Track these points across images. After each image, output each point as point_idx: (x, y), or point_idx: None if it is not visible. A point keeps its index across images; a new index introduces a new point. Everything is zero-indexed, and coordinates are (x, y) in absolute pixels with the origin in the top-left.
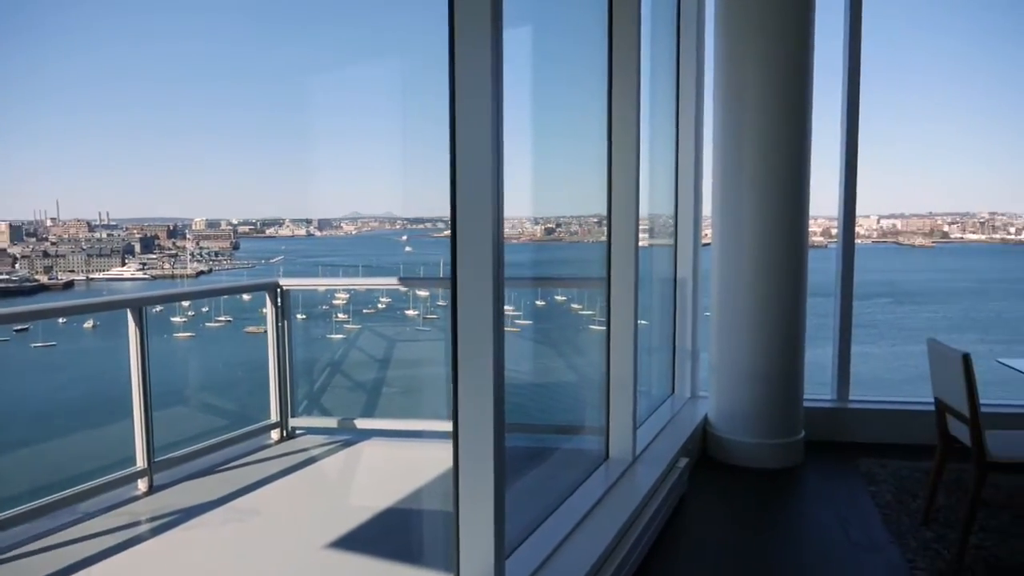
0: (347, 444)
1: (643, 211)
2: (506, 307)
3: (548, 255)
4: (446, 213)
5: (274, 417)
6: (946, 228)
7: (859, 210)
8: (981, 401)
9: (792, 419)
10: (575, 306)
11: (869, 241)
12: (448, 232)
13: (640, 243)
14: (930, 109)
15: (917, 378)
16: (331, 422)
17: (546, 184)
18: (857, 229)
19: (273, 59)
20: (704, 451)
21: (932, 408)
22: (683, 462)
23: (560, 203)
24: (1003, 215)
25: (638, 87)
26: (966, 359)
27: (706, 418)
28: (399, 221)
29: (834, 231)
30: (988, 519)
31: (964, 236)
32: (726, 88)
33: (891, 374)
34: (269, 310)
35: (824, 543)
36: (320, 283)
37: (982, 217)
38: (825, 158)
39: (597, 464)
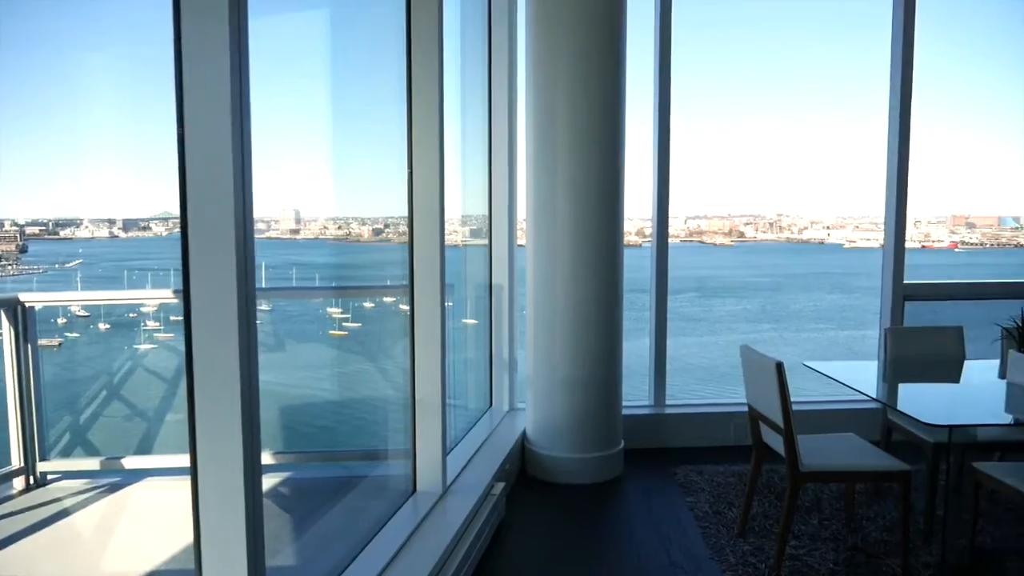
0: (113, 489)
1: (455, 212)
2: (333, 309)
3: (366, 258)
4: (268, 213)
5: (16, 463)
6: (742, 228)
7: (670, 210)
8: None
9: (612, 430)
10: (403, 307)
11: (677, 240)
12: (272, 233)
13: (453, 245)
14: (728, 115)
15: (723, 364)
16: (94, 463)
17: (372, 183)
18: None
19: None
20: (523, 469)
21: (743, 409)
22: (499, 487)
23: (391, 203)
24: (788, 216)
25: (440, 80)
26: (779, 368)
27: (524, 434)
28: None
29: (647, 230)
30: (799, 524)
31: (757, 236)
32: (538, 86)
33: (700, 360)
34: (6, 332)
35: (646, 564)
36: (76, 298)
37: (771, 218)
38: (634, 160)
39: (405, 499)
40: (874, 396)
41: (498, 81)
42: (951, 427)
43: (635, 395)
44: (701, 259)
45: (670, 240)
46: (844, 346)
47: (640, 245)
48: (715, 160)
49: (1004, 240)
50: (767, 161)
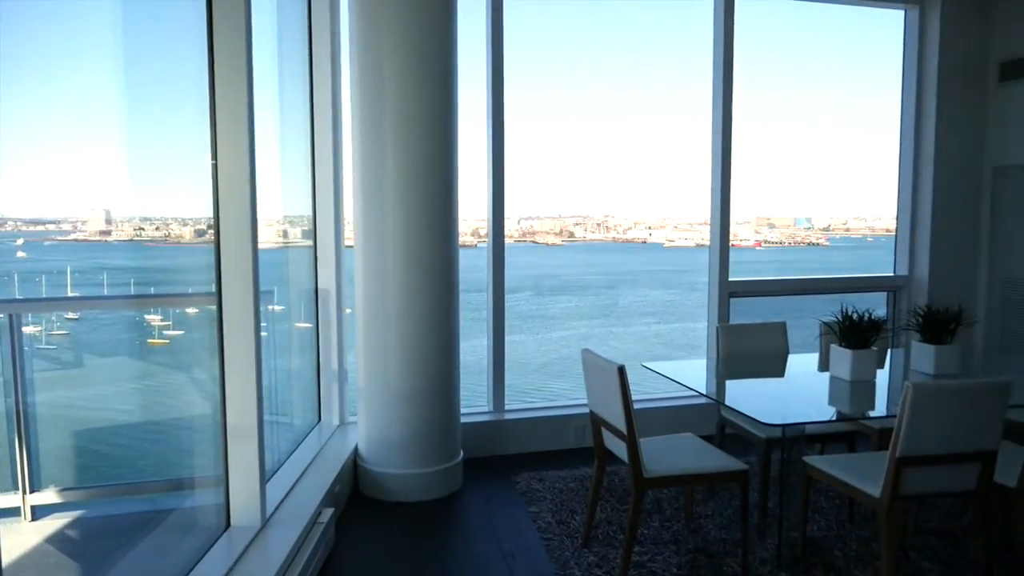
0: None
1: (275, 210)
2: (152, 316)
3: (185, 261)
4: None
5: None
6: (572, 228)
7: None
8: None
9: (450, 441)
10: None
11: (511, 240)
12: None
13: (275, 247)
14: (558, 116)
15: (557, 361)
16: None
17: (188, 180)
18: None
19: None
20: (356, 489)
21: (582, 411)
22: (328, 514)
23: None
24: (614, 217)
25: (247, 68)
26: (621, 372)
27: (357, 450)
28: (9, 222)
29: (483, 231)
30: (641, 529)
31: (586, 235)
32: (363, 80)
33: (538, 358)
34: None
35: None
36: None
37: (599, 219)
38: (470, 161)
39: (218, 535)
40: (711, 396)
41: (320, 72)
42: (785, 425)
43: (473, 396)
44: (535, 258)
45: (506, 240)
46: (669, 338)
47: (475, 246)
48: (547, 162)
49: (799, 239)
50: (595, 163)
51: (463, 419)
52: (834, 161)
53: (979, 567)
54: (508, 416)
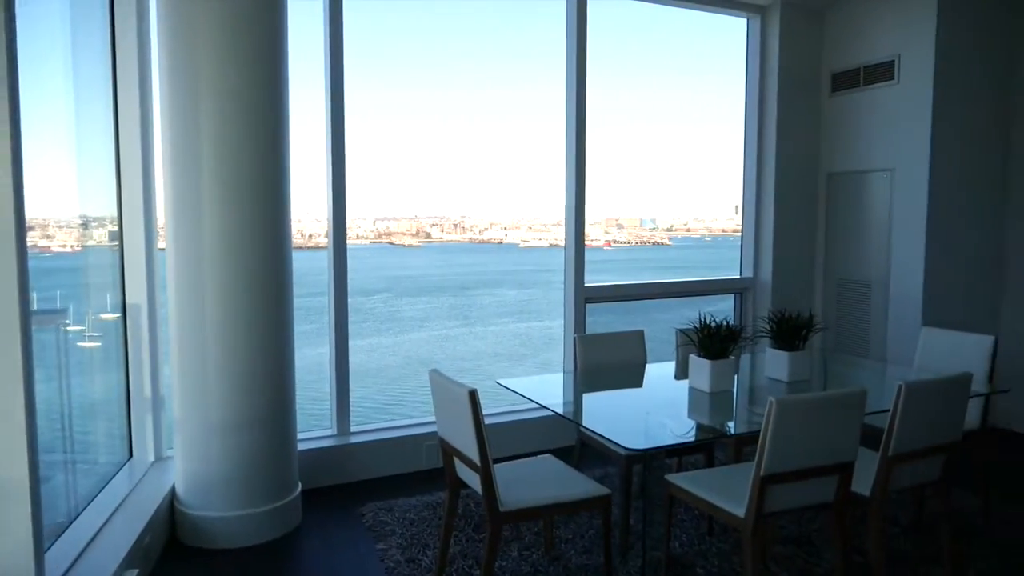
0: None
1: (68, 212)
2: None
3: None
4: None
5: None
6: (429, 229)
7: (358, 212)
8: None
9: (285, 473)
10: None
11: (367, 242)
12: None
13: (61, 252)
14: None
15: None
16: None
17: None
18: (356, 230)
19: None
20: (174, 537)
21: (432, 430)
22: None
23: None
24: (470, 218)
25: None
26: (473, 397)
27: (173, 490)
28: None
29: (356, 232)
30: (498, 561)
31: (443, 236)
32: (174, 73)
33: (392, 359)
34: None
35: None
36: None
37: (455, 220)
38: (303, 158)
39: None
40: (569, 416)
41: (125, 54)
42: (646, 450)
43: (314, 408)
44: (391, 260)
45: (360, 242)
46: (528, 336)
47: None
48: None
49: (645, 238)
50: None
51: (302, 445)
52: (677, 163)
53: (834, 574)
54: (355, 439)
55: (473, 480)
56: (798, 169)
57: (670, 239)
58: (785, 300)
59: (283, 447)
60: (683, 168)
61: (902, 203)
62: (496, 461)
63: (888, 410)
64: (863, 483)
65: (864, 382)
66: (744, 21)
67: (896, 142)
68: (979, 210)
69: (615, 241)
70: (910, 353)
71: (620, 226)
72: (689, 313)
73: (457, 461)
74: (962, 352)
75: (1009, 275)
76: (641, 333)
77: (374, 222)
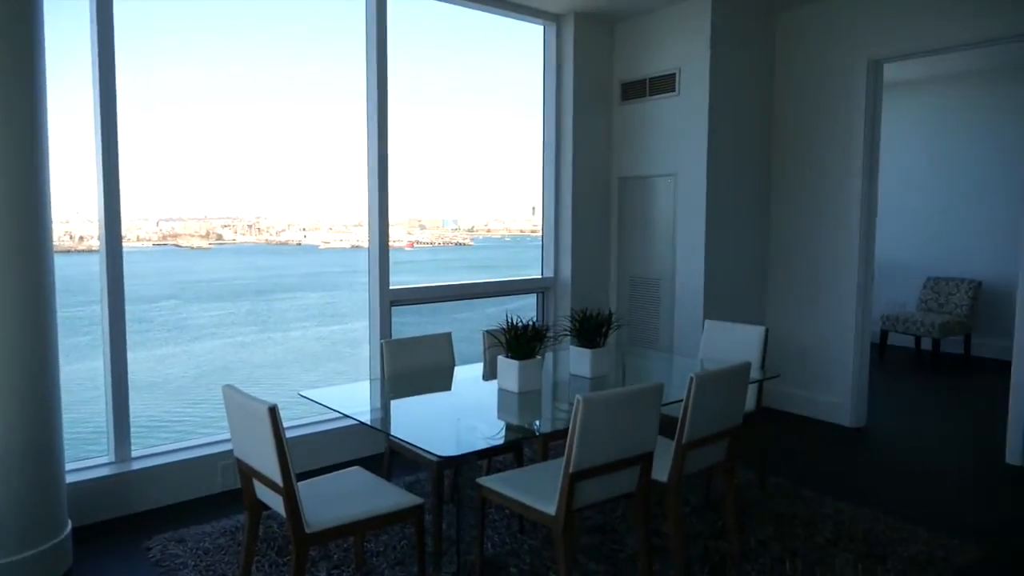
0: None
1: None
2: None
3: None
4: None
5: None
6: (220, 231)
7: (138, 212)
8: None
9: (50, 511)
10: None
11: (151, 244)
12: None
13: None
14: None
15: (200, 374)
16: None
17: None
18: (137, 232)
19: None
20: None
21: (229, 447)
22: None
23: None
24: (266, 218)
25: None
26: (273, 413)
27: None
28: None
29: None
30: None
31: (236, 238)
32: None
33: (182, 370)
34: None
35: None
36: None
37: (250, 220)
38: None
39: None
40: (377, 426)
41: None
42: (457, 456)
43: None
44: (179, 263)
45: (141, 244)
46: (331, 340)
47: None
48: (189, 158)
49: (448, 239)
50: (245, 162)
51: (73, 477)
52: (476, 165)
53: (638, 559)
54: (137, 465)
55: (275, 502)
56: (593, 173)
57: (472, 239)
58: (584, 298)
59: (48, 481)
60: (482, 170)
61: (684, 206)
62: (301, 477)
63: (681, 400)
64: (660, 470)
65: (658, 374)
66: (541, 28)
67: (678, 149)
68: (749, 211)
69: (418, 242)
70: (695, 344)
71: (423, 227)
72: (494, 312)
73: (256, 482)
74: (739, 342)
75: (771, 271)
76: (449, 335)
77: (157, 223)
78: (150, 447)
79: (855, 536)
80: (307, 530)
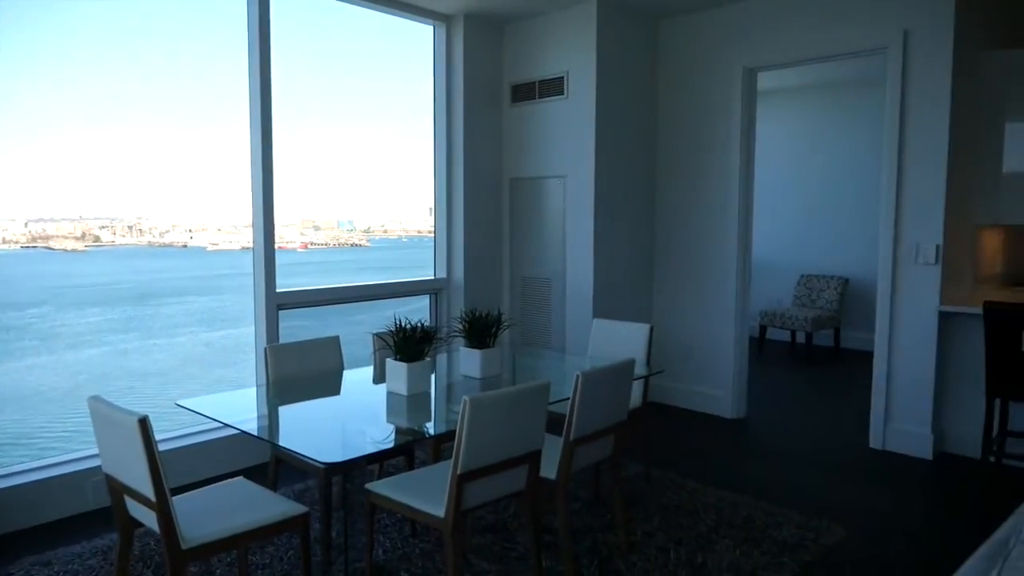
0: None
1: None
2: None
3: None
4: None
5: None
6: (98, 232)
7: (2, 212)
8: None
9: None
10: None
11: (18, 246)
12: None
13: None
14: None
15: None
16: None
17: None
18: (3, 233)
19: None
20: None
21: (96, 464)
22: None
23: None
24: (148, 219)
25: None
26: (143, 425)
27: None
28: None
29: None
30: None
31: (115, 240)
32: None
33: (54, 381)
34: None
35: None
36: None
37: (131, 221)
38: None
39: None
40: (261, 436)
41: None
42: (347, 461)
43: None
44: (52, 267)
45: (7, 247)
46: (221, 345)
47: None
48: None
49: (343, 240)
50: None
51: None
52: (372, 166)
53: (528, 556)
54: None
55: (148, 518)
56: (484, 174)
57: (368, 240)
58: (477, 298)
59: None
60: (379, 171)
61: (573, 207)
62: (179, 491)
63: (568, 398)
64: (549, 467)
65: (548, 372)
66: (431, 28)
67: (567, 151)
68: (636, 212)
69: (312, 243)
70: (586, 343)
71: (317, 228)
72: (390, 313)
73: (128, 498)
74: (625, 339)
75: (657, 270)
76: (336, 339)
77: (26, 223)
78: (12, 465)
79: (734, 522)
80: (183, 546)
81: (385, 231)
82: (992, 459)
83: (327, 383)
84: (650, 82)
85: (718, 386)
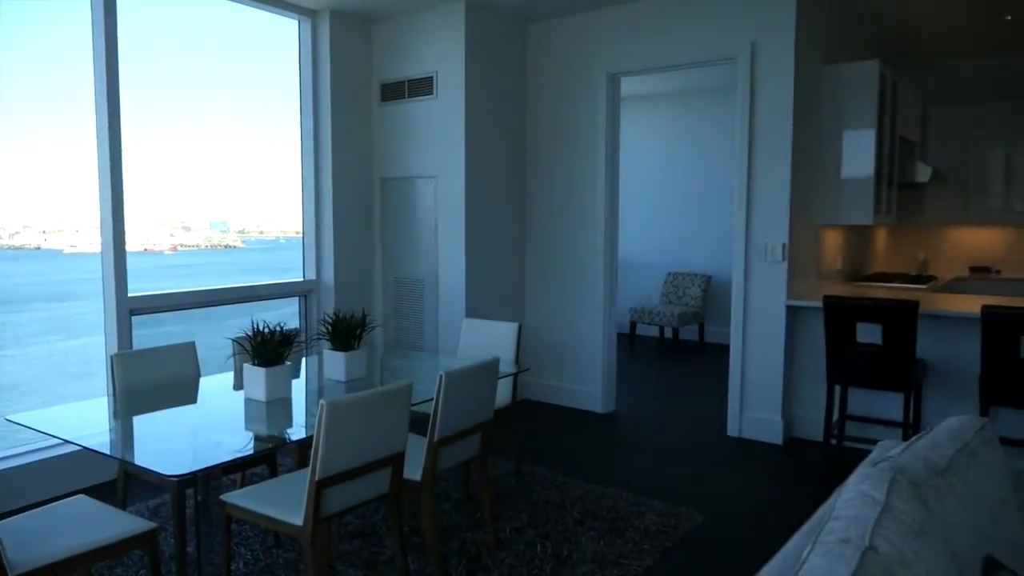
0: None
1: None
2: None
3: None
4: None
5: None
6: None
7: None
8: None
9: None
10: None
11: None
12: None
13: None
14: None
15: None
16: None
17: None
18: None
19: None
20: None
21: None
22: None
23: None
24: None
25: None
26: None
27: None
28: None
29: None
30: None
31: None
32: None
33: None
34: None
35: None
36: None
37: None
38: None
39: None
40: (98, 449)
41: None
42: (196, 472)
43: None
44: None
45: None
46: (81, 355)
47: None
48: None
49: (216, 241)
50: None
51: None
52: (246, 165)
53: (395, 560)
54: None
55: None
56: (354, 173)
57: (243, 242)
58: (349, 300)
59: None
60: (251, 170)
61: (445, 207)
62: (13, 512)
63: (432, 398)
64: (415, 469)
65: (417, 373)
66: (296, 23)
67: (438, 151)
68: (507, 212)
69: (182, 245)
70: (457, 343)
71: (188, 229)
72: (269, 317)
73: None
74: (495, 339)
75: (529, 269)
76: (192, 345)
77: None
78: None
79: (600, 514)
80: (10, 572)
81: (261, 232)
82: (833, 441)
83: (182, 392)
84: (520, 84)
85: (588, 382)
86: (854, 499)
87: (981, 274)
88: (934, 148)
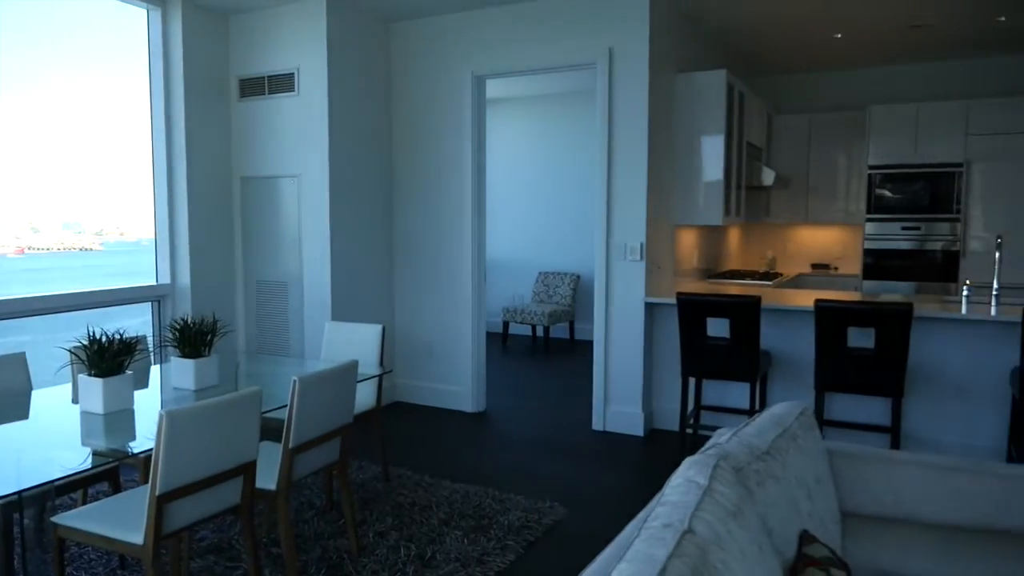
0: None
1: None
2: None
3: None
4: None
5: None
6: None
7: None
8: None
9: None
10: None
11: None
12: None
13: None
14: None
15: None
16: None
17: None
18: None
19: None
20: None
21: None
22: None
23: None
24: None
25: None
26: None
27: None
28: None
29: None
30: None
31: None
32: None
33: None
34: None
35: None
36: None
37: None
38: None
39: None
40: None
41: None
42: (19, 492)
43: None
44: None
45: None
46: None
47: None
48: None
49: (70, 244)
50: None
51: None
52: (102, 163)
53: (250, 574)
54: None
55: None
56: (211, 172)
57: (101, 244)
58: (207, 305)
59: None
60: (107, 168)
61: (309, 207)
62: None
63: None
64: (270, 478)
65: (276, 379)
66: (145, 12)
67: (300, 150)
68: (374, 212)
69: (31, 247)
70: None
71: (36, 230)
72: (133, 324)
73: None
74: (359, 341)
75: (397, 270)
76: (22, 355)
77: None
78: None
79: (466, 513)
80: None
81: (122, 234)
82: (690, 431)
83: (12, 406)
84: (385, 83)
85: (458, 382)
86: (680, 485)
87: (821, 271)
88: (778, 153)
